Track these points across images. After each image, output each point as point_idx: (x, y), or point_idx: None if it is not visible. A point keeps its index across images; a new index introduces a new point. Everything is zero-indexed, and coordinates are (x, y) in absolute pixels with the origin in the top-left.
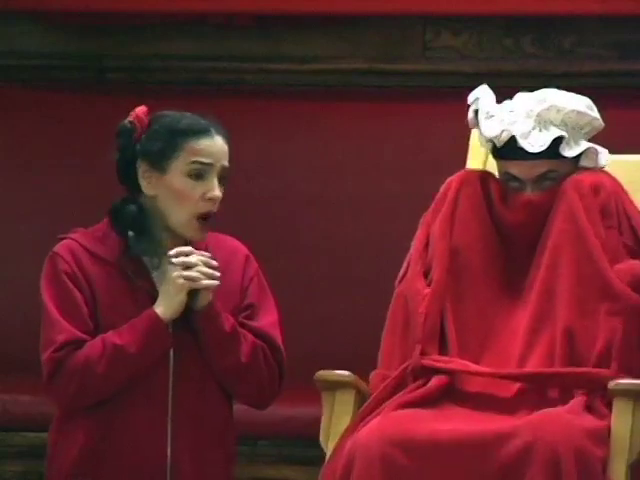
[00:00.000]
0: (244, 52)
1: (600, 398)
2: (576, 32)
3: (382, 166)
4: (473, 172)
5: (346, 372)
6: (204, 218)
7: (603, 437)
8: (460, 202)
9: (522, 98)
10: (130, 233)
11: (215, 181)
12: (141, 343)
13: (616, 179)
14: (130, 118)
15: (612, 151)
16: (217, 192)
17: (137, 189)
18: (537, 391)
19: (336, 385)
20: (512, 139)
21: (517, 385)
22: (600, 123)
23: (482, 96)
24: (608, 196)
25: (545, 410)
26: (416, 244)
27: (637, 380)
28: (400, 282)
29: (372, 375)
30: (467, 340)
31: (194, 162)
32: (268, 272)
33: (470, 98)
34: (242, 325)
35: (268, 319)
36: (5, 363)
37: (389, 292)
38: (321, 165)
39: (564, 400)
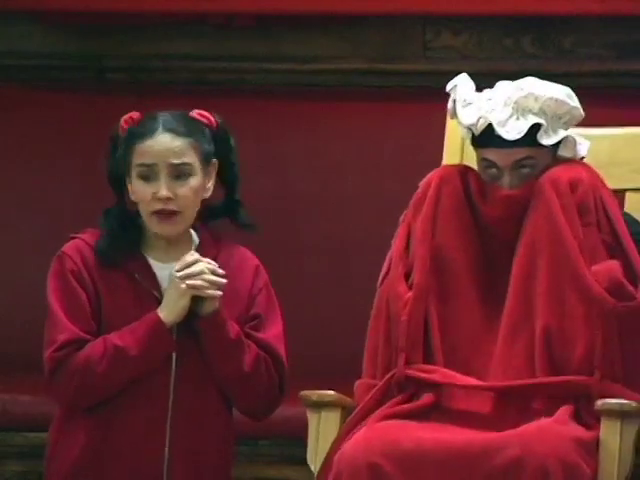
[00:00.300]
0: (244, 52)
1: (586, 406)
2: (576, 32)
3: (382, 166)
4: (452, 168)
5: (330, 392)
6: (161, 214)
7: (592, 449)
8: (441, 201)
9: (501, 86)
10: (101, 241)
11: (162, 180)
12: (142, 346)
13: (594, 171)
14: (119, 124)
15: None
16: (163, 192)
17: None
18: (522, 401)
19: (320, 405)
20: (490, 126)
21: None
22: (580, 113)
23: (460, 84)
24: (586, 192)
25: (533, 422)
26: (397, 244)
27: (622, 400)
28: (382, 283)
29: (357, 385)
30: (452, 344)
31: (139, 165)
32: (267, 271)
33: (448, 86)
34: (247, 335)
35: (273, 331)
36: (5, 363)
37: None
38: (321, 165)
39: (550, 410)
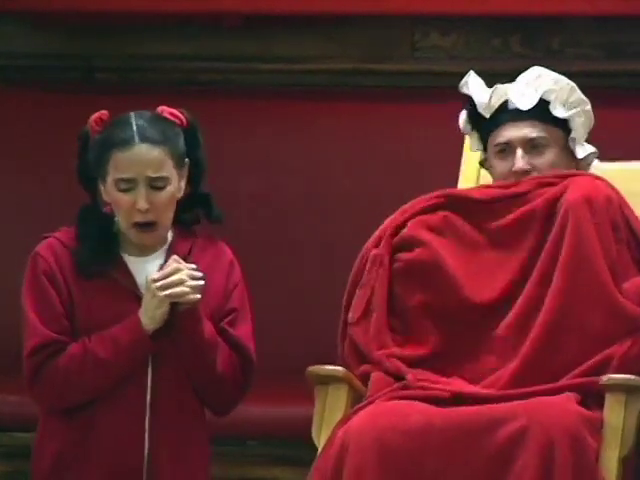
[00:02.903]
0: (233, 52)
1: (592, 398)
2: (564, 32)
3: (371, 166)
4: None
5: (339, 367)
6: (141, 225)
7: (597, 427)
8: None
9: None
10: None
11: (142, 193)
12: (125, 357)
13: (614, 186)
14: (89, 124)
15: (601, 150)
16: (142, 204)
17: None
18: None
19: (329, 380)
20: (503, 106)
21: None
22: (589, 110)
23: (472, 76)
24: (615, 208)
25: (540, 397)
26: (380, 288)
27: (628, 375)
28: (357, 323)
29: (373, 377)
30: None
31: (118, 180)
32: (258, 271)
33: (462, 83)
34: (222, 331)
35: (245, 329)
36: None
37: None
38: (310, 165)
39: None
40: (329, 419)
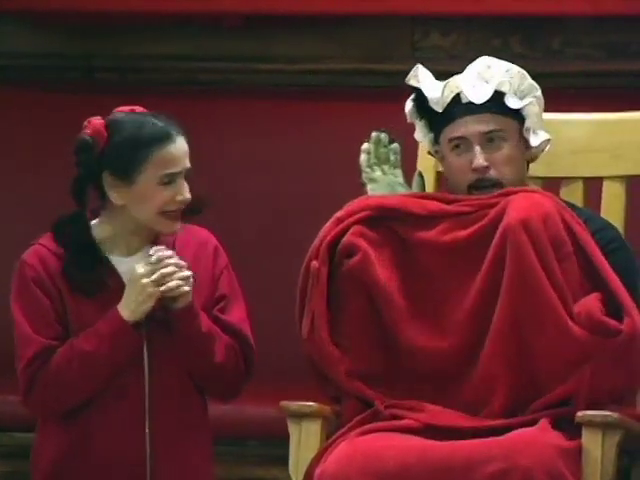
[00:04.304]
0: (233, 52)
1: (566, 418)
2: (564, 32)
3: None
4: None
5: (311, 403)
6: (173, 215)
7: (575, 458)
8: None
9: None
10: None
11: (184, 184)
12: (108, 347)
13: (555, 197)
14: (88, 131)
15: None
16: (187, 194)
17: (87, 204)
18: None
19: (301, 415)
20: (455, 99)
21: (487, 410)
22: (540, 96)
23: (421, 69)
24: (556, 223)
25: (516, 431)
26: (316, 298)
27: (604, 411)
28: (308, 337)
29: (344, 406)
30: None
31: (165, 175)
32: (258, 271)
33: (409, 77)
34: (215, 319)
35: (239, 314)
36: None
37: None
38: (310, 165)
39: (531, 423)
40: (305, 454)
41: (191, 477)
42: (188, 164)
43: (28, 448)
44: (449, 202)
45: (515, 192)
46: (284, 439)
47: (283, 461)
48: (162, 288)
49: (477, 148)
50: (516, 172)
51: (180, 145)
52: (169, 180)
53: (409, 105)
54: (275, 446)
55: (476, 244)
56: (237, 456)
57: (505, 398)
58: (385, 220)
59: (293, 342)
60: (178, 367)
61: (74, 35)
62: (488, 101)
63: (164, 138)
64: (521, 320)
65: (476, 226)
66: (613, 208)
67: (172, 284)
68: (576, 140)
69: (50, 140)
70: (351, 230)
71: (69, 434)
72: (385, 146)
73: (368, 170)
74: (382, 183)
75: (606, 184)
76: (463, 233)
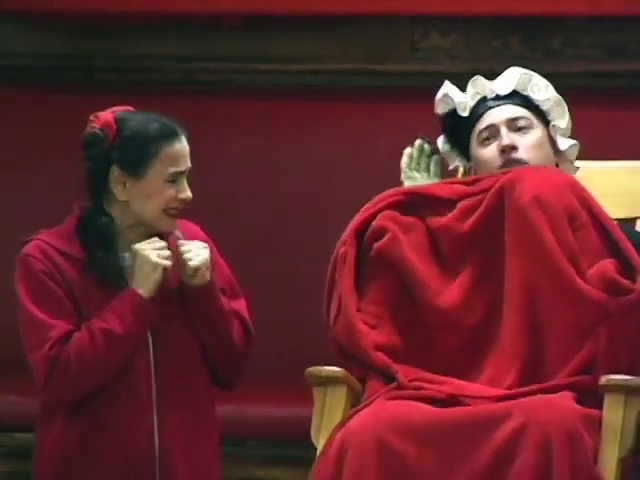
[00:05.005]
0: (233, 52)
1: (588, 396)
2: (564, 32)
3: (370, 166)
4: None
5: (337, 368)
6: (174, 213)
7: (595, 424)
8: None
9: None
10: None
11: (186, 183)
12: (127, 322)
13: (566, 173)
14: (98, 125)
15: (599, 151)
16: (189, 193)
17: (103, 197)
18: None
19: (327, 381)
20: (481, 101)
21: (508, 382)
22: (565, 105)
23: (448, 84)
24: (569, 196)
25: (537, 396)
26: (345, 279)
27: (626, 376)
28: (335, 323)
29: (368, 385)
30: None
31: (172, 172)
32: (257, 271)
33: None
34: None
35: (240, 303)
36: None
37: None
38: (310, 165)
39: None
40: (328, 421)
41: (199, 470)
42: (190, 163)
43: (28, 448)
44: (472, 183)
45: (529, 166)
46: (284, 439)
47: (283, 461)
48: (164, 256)
49: (504, 129)
50: (547, 161)
51: (185, 144)
52: (174, 178)
53: (440, 138)
54: (275, 446)
55: (488, 224)
56: (237, 456)
57: (522, 371)
58: (414, 207)
59: (293, 342)
60: (183, 352)
61: (74, 35)
62: (513, 94)
63: (172, 135)
64: (536, 292)
65: (484, 206)
66: None
67: (190, 254)
68: (604, 185)
69: (50, 140)
70: (381, 215)
71: (75, 431)
72: (428, 155)
73: (407, 171)
74: (420, 182)
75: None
76: (474, 215)
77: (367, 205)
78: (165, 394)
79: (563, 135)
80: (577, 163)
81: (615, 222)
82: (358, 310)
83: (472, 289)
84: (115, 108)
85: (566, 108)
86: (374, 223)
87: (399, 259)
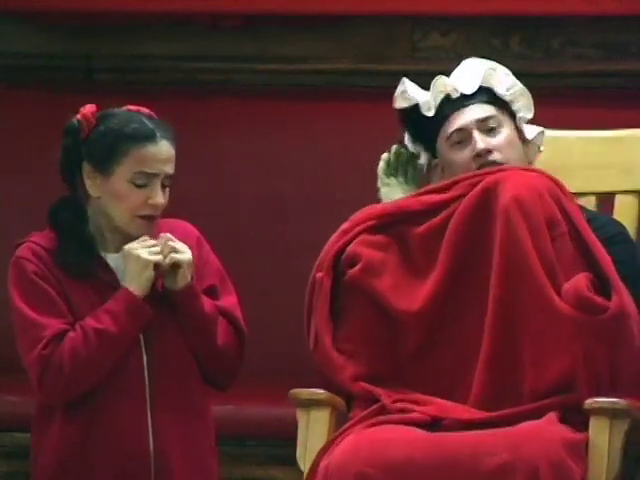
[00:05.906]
0: (232, 52)
1: (573, 412)
2: (564, 32)
3: (370, 166)
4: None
5: (320, 390)
6: (146, 218)
7: (581, 451)
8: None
9: None
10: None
11: (158, 188)
12: (121, 323)
13: (551, 176)
14: (78, 117)
15: None
16: (160, 199)
17: (79, 188)
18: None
19: (310, 403)
20: (444, 101)
21: (489, 398)
22: (527, 92)
23: (409, 85)
24: (549, 203)
25: (522, 424)
26: (320, 307)
27: (612, 398)
28: (315, 348)
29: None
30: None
31: (138, 172)
32: (257, 271)
33: (398, 94)
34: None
35: (230, 300)
36: None
37: None
38: (309, 165)
39: (538, 415)
40: (313, 443)
41: (195, 469)
42: (169, 170)
43: (28, 448)
44: (447, 189)
45: (512, 169)
46: (284, 439)
47: (283, 461)
48: (154, 252)
49: (476, 133)
50: (518, 157)
51: (163, 149)
52: (143, 182)
53: (406, 137)
54: (275, 446)
55: (473, 226)
56: (236, 456)
57: (502, 388)
58: (390, 226)
59: (292, 342)
60: (176, 352)
61: (74, 35)
62: (478, 93)
63: (147, 137)
64: (512, 303)
65: (465, 204)
66: (625, 222)
67: (172, 245)
68: (589, 156)
69: (50, 140)
70: (356, 240)
71: (71, 431)
72: (405, 161)
73: (384, 177)
74: (396, 188)
75: (618, 199)
76: (455, 218)
77: (344, 227)
78: (159, 394)
79: (528, 116)
80: (560, 132)
81: (592, 233)
82: (334, 341)
83: (453, 304)
84: (129, 107)
85: (530, 96)
86: (348, 249)
87: (371, 288)
